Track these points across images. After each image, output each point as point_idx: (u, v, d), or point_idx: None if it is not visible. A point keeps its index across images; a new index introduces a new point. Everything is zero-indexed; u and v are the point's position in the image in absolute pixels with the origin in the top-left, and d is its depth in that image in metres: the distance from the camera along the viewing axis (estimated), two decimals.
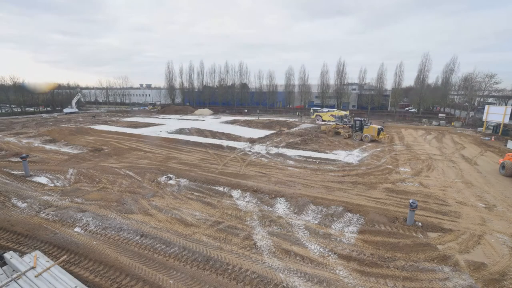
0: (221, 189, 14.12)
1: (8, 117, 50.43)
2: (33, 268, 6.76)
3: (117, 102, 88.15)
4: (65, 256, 8.11)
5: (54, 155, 21.15)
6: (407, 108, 66.52)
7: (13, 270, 6.85)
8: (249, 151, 23.24)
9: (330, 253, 8.72)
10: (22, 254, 7.92)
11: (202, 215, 11.25)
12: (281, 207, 12.02)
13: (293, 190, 13.72)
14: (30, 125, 38.83)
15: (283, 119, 50.32)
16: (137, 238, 9.41)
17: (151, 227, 10.16)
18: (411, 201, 10.40)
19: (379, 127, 28.10)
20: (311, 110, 51.16)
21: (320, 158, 20.92)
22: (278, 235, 9.69)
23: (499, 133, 33.40)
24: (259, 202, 12.50)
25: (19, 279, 6.41)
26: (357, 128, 29.29)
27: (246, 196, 13.16)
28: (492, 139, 30.55)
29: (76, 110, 61.78)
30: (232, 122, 44.16)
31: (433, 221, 10.77)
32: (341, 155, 22.14)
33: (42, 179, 15.46)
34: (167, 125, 40.11)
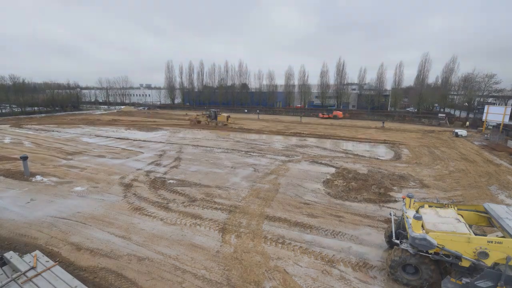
0: None
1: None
2: (33, 268, 6.75)
3: (117, 102, 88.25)
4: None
5: None
6: (408, 108, 66.38)
7: (13, 270, 6.84)
8: None
9: None
10: (22, 254, 7.91)
11: None
12: None
13: None
14: None
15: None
16: None
17: None
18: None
19: (227, 115, 40.44)
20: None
21: None
22: None
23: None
24: None
25: (19, 279, 6.40)
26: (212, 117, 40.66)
27: None
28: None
29: None
30: None
31: None
32: None
33: None
34: None
